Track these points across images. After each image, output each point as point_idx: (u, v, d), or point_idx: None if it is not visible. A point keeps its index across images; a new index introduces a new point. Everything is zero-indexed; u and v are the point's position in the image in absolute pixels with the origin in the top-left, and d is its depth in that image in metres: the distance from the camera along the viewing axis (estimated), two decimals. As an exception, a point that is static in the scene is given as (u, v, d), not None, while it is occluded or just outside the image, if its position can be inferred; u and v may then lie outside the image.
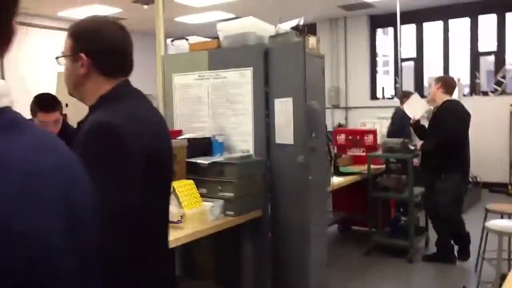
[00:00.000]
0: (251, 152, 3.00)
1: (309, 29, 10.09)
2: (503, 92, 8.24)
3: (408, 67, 9.55)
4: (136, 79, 1.53)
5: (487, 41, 8.84)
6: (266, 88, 2.96)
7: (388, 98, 9.29)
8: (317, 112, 3.40)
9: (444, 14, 8.83)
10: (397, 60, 9.20)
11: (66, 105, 5.12)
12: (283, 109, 2.88)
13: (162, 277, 1.38)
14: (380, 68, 13.09)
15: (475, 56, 8.62)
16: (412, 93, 6.36)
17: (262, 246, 2.99)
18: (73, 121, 5.18)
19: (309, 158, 3.12)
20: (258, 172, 2.88)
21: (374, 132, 5.30)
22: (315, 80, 3.46)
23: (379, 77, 9.98)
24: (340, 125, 9.40)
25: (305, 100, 2.89)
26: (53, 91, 5.33)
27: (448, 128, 4.00)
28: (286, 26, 3.25)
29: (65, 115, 5.07)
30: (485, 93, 8.44)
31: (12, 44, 0.62)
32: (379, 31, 10.15)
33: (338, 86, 9.89)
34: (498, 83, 8.28)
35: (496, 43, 8.43)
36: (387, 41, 10.13)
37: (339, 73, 9.89)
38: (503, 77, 8.24)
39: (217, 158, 2.84)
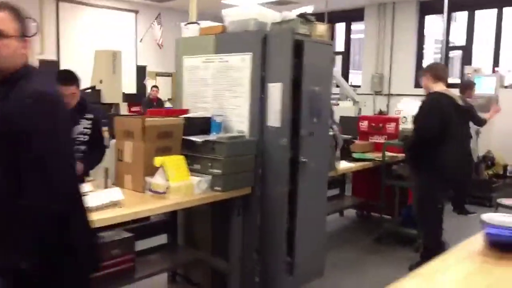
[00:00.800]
0: (246, 132, 3.17)
1: (357, 14, 9.98)
2: (555, 86, 7.84)
3: (459, 56, 9.27)
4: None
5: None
6: (263, 72, 3.10)
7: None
8: (320, 97, 3.51)
9: (498, 1, 8.45)
10: (445, 49, 8.96)
11: (101, 81, 5.56)
12: (275, 93, 3.03)
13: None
14: (433, 56, 12.73)
15: (528, 46, 8.22)
16: (474, 84, 6.20)
17: (250, 221, 3.18)
18: (106, 96, 5.61)
19: (302, 140, 3.27)
20: (248, 152, 3.06)
21: (396, 120, 5.28)
22: (322, 67, 3.57)
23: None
24: (381, 112, 9.30)
25: (291, 85, 3.01)
26: (91, 67, 5.79)
27: (422, 125, 3.75)
28: (292, 14, 3.36)
29: (99, 90, 5.52)
30: (535, 86, 8.05)
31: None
32: (437, 17, 9.82)
33: (382, 72, 9.76)
34: (550, 76, 7.87)
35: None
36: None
37: (384, 59, 9.75)
38: (557, 69, 7.82)
39: (211, 136, 3.03)
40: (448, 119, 3.69)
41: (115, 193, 2.53)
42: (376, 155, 4.90)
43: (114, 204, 2.48)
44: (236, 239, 3.18)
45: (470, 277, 1.61)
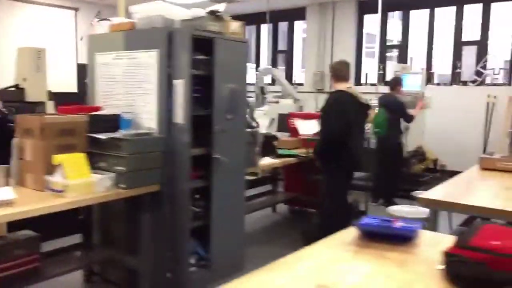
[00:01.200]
0: (155, 129, 3.17)
1: (299, 13, 10.12)
2: (482, 83, 8.21)
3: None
4: None
5: (472, 31, 8.76)
6: (169, 69, 3.12)
7: (372, 84, 9.29)
8: (235, 94, 3.56)
9: (430, 2, 8.77)
10: (382, 47, 9.24)
11: (24, 79, 5.42)
12: (179, 90, 3.05)
13: None
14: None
15: (458, 45, 8.56)
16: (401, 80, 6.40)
17: (160, 218, 3.19)
18: (30, 95, 5.48)
19: (215, 137, 3.31)
20: (155, 149, 3.06)
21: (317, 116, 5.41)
22: (236, 64, 3.62)
23: (371, 63, 9.96)
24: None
25: (191, 82, 3.05)
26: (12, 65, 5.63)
27: (328, 128, 3.85)
28: (202, 11, 3.38)
29: (23, 89, 5.38)
30: (465, 83, 8.41)
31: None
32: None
33: (323, 70, 9.94)
34: (478, 74, 8.24)
35: (479, 33, 8.36)
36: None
37: (324, 57, 9.94)
38: (484, 67, 8.19)
39: (117, 134, 3.02)
40: (350, 117, 3.82)
41: (5, 193, 2.48)
42: (299, 151, 4.99)
43: (6, 204, 2.44)
44: (145, 236, 3.18)
45: (328, 265, 1.68)
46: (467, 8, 8.46)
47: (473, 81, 8.30)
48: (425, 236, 1.98)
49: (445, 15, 8.78)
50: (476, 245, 1.52)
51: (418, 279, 1.55)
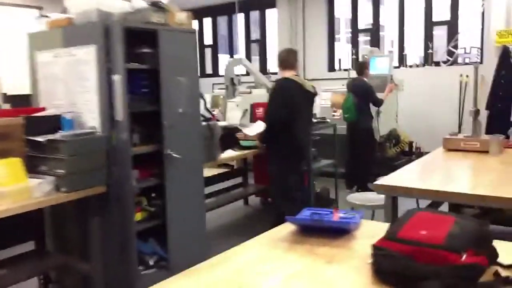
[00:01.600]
0: (98, 128, 3.03)
1: (269, 1, 9.92)
2: (455, 62, 8.14)
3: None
4: None
5: (443, 11, 8.67)
6: (109, 64, 2.97)
7: (345, 70, 9.18)
8: (185, 87, 3.42)
9: (399, -17, 8.68)
10: (354, 31, 9.13)
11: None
12: (118, 86, 2.90)
13: None
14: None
15: (429, 26, 8.48)
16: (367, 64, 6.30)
17: (110, 220, 3.06)
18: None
19: (166, 132, 3.18)
20: (97, 149, 2.92)
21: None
22: (184, 56, 3.47)
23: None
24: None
25: (126, 76, 2.91)
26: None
27: (271, 114, 3.78)
28: (143, 3, 3.23)
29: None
30: (437, 64, 8.34)
31: None
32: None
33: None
34: (450, 53, 8.17)
35: (449, 13, 8.28)
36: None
37: (297, 44, 9.79)
38: (455, 46, 8.12)
39: (56, 135, 2.87)
40: (294, 104, 3.74)
41: None
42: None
43: None
44: (95, 240, 3.05)
45: (254, 265, 1.57)
46: (436, -13, 8.39)
47: (445, 61, 8.23)
48: (366, 227, 1.88)
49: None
50: (403, 236, 1.41)
51: (345, 276, 1.45)
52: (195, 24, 6.42)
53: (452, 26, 8.23)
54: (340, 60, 9.47)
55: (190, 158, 3.47)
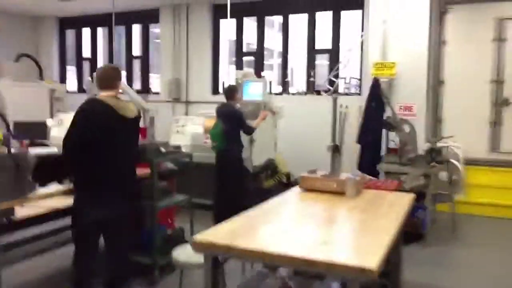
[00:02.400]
0: None
1: (153, 15, 9.26)
2: (335, 92, 8.05)
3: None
4: None
5: (325, 39, 8.62)
6: None
7: (228, 93, 8.78)
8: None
9: (284, 8, 8.49)
10: (238, 53, 8.77)
11: None
12: None
13: None
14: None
15: (312, 53, 8.35)
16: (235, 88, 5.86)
17: None
18: None
19: None
20: None
21: (143, 131, 4.66)
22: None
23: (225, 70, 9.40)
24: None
25: None
26: None
27: (65, 136, 3.16)
28: None
29: None
30: (318, 92, 8.20)
31: None
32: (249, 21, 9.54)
33: (179, 78, 9.22)
34: (331, 83, 8.07)
35: (331, 42, 8.22)
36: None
37: (181, 63, 9.23)
38: (336, 76, 8.04)
39: None
40: (100, 129, 3.08)
41: None
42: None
43: None
44: None
45: None
46: (319, 15, 8.29)
47: (326, 91, 8.11)
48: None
49: (301, 22, 8.54)
50: None
51: None
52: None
53: (334, 55, 8.16)
54: (223, 83, 9.03)
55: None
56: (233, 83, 7.96)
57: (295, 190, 3.62)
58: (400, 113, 7.25)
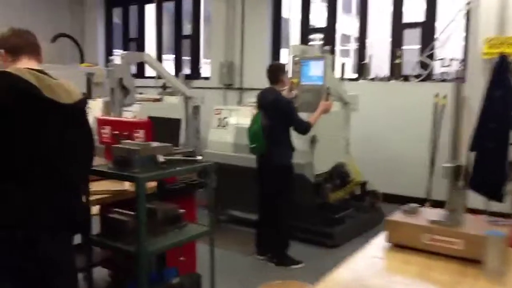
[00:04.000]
0: None
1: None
2: (429, 78, 6.15)
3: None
4: None
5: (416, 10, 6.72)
6: None
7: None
8: None
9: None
10: (304, 30, 7.09)
11: None
12: None
13: None
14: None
15: (398, 28, 6.48)
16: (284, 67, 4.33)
17: None
18: None
19: None
20: None
21: (147, 126, 3.17)
22: None
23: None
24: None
25: None
26: None
27: None
28: None
29: None
30: (406, 78, 6.34)
31: None
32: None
33: (232, 60, 7.71)
34: (423, 65, 6.18)
35: (424, 13, 6.31)
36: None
37: (234, 44, 7.70)
38: (430, 56, 6.14)
39: None
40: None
41: None
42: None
43: None
44: None
45: None
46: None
47: (417, 76, 6.23)
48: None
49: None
50: None
51: None
52: None
53: (428, 31, 6.25)
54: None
55: None
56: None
57: (378, 245, 1.95)
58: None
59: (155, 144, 2.70)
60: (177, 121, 5.28)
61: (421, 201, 6.01)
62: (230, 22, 7.65)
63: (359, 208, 5.33)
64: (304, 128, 3.98)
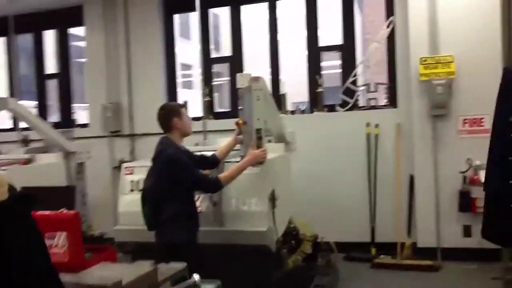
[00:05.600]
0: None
1: (75, 14, 6.11)
2: (355, 106, 5.50)
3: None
4: None
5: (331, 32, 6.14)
6: None
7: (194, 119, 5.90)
8: None
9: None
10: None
11: None
12: None
13: None
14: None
15: (314, 52, 5.77)
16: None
17: None
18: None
19: None
20: None
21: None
22: None
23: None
24: (122, 163, 5.70)
25: None
26: None
27: None
28: None
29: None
30: (331, 108, 5.61)
31: None
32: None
33: (118, 102, 6.28)
34: (348, 92, 5.51)
35: (341, 34, 5.70)
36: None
37: (119, 82, 6.30)
38: (354, 83, 5.50)
39: None
40: None
41: None
42: None
43: None
44: None
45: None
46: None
47: (342, 105, 5.54)
48: None
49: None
50: None
51: None
52: None
53: (348, 52, 5.65)
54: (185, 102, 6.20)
55: None
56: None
57: None
58: (465, 129, 4.91)
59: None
60: (69, 190, 3.82)
61: (367, 245, 5.30)
62: (111, 56, 6.24)
63: (316, 271, 4.36)
64: (211, 187, 3.07)
